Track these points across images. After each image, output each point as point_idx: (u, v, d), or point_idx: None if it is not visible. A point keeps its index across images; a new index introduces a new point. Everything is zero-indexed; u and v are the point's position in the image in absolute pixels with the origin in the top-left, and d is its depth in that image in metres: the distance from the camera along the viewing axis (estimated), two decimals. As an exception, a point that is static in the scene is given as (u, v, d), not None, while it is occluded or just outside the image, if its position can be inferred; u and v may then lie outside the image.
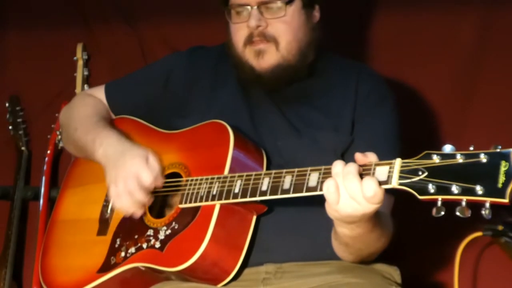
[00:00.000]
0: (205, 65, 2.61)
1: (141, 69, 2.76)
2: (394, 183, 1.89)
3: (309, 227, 2.33)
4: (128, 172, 2.33)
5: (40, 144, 3.40)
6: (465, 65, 3.07)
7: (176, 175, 2.40)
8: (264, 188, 2.15)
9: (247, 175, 2.20)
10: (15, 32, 3.50)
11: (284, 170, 2.13)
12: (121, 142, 2.45)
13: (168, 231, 2.30)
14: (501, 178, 1.75)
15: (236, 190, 2.21)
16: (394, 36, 3.15)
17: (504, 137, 2.93)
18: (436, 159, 1.84)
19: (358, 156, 1.97)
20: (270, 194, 2.14)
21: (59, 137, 3.30)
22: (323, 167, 2.05)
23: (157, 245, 2.30)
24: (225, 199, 2.22)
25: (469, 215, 1.79)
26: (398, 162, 1.91)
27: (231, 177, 2.24)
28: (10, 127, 3.46)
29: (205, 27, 3.15)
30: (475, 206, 1.79)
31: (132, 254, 2.35)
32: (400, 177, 1.89)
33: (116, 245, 2.41)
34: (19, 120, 3.45)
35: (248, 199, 2.18)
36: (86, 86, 3.39)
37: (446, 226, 2.84)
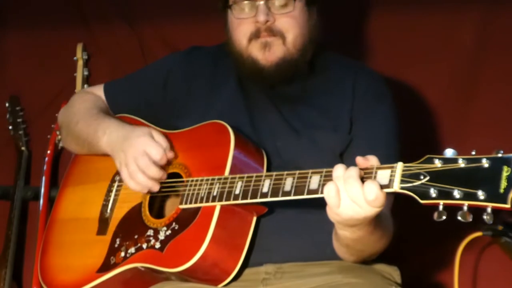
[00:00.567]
0: (203, 65, 2.62)
1: (139, 70, 2.76)
2: (396, 187, 1.89)
3: (309, 227, 2.33)
4: (136, 151, 2.35)
5: (40, 144, 3.40)
6: (465, 64, 3.07)
7: (176, 175, 2.40)
8: (265, 190, 2.15)
9: (248, 177, 2.20)
10: (15, 32, 3.50)
11: (285, 172, 2.13)
12: (122, 126, 2.47)
13: (168, 232, 2.30)
14: (503, 183, 1.75)
15: (237, 192, 2.20)
16: (394, 35, 3.15)
17: (504, 137, 2.93)
18: (438, 163, 1.84)
19: (359, 159, 1.97)
20: (271, 196, 2.14)
21: (59, 137, 3.30)
22: (324, 169, 2.05)
23: (157, 245, 2.30)
24: (226, 200, 2.22)
25: (471, 220, 1.79)
26: (399, 166, 1.90)
27: (231, 178, 2.24)
28: (10, 127, 3.46)
29: (205, 27, 3.15)
30: (476, 209, 1.79)
31: (132, 254, 2.35)
32: (402, 181, 1.89)
33: (116, 245, 2.41)
34: (19, 120, 3.45)
35: (248, 200, 2.18)
36: (86, 86, 3.39)
37: (446, 227, 2.83)
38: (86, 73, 3.42)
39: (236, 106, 2.51)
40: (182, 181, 2.36)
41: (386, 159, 1.95)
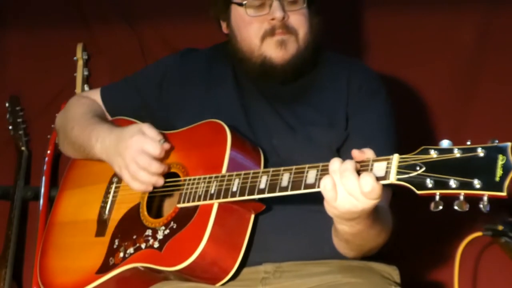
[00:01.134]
0: (198, 66, 2.62)
1: (135, 73, 2.75)
2: (392, 179, 1.89)
3: (308, 226, 2.33)
4: (134, 151, 2.35)
5: (40, 144, 3.40)
6: (465, 64, 3.08)
7: (174, 175, 2.40)
8: (262, 186, 2.15)
9: (245, 174, 2.20)
10: (15, 32, 3.51)
11: (282, 168, 2.13)
12: (112, 130, 2.47)
13: (167, 231, 2.29)
14: (499, 172, 1.76)
15: (234, 189, 2.20)
16: (394, 35, 3.15)
17: (504, 137, 2.92)
18: (433, 154, 1.84)
19: (355, 152, 1.98)
20: (268, 192, 2.14)
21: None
22: (320, 164, 2.04)
23: (156, 245, 2.30)
24: (223, 197, 2.22)
25: (467, 209, 1.79)
26: (395, 157, 1.91)
27: (229, 175, 2.24)
28: (10, 127, 3.46)
29: (205, 27, 3.13)
30: (474, 204, 1.79)
31: (131, 254, 2.35)
32: (398, 173, 1.89)
33: (115, 246, 2.40)
34: (19, 120, 3.45)
35: (246, 197, 2.18)
36: (86, 86, 3.39)
37: (446, 226, 2.85)
38: (86, 73, 3.42)
39: (231, 105, 2.51)
40: (180, 180, 2.36)
41: (383, 153, 1.95)
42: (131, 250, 2.35)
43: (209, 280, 2.29)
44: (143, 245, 2.33)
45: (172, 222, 2.30)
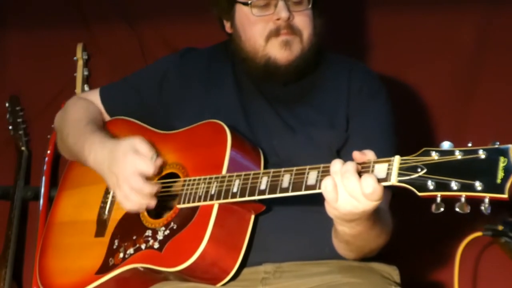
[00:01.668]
0: (198, 67, 2.61)
1: (135, 73, 2.74)
2: (393, 180, 1.89)
3: (308, 226, 2.33)
4: (126, 172, 2.33)
5: (40, 144, 3.40)
6: (465, 64, 3.08)
7: (173, 175, 2.40)
8: (262, 187, 2.15)
9: (245, 175, 2.20)
10: (15, 32, 3.51)
11: (283, 169, 2.12)
12: (105, 144, 2.44)
13: (167, 232, 2.29)
14: (500, 174, 1.76)
15: (235, 190, 2.20)
16: (395, 35, 3.15)
17: (504, 136, 2.92)
18: (434, 155, 1.84)
19: (356, 154, 1.97)
20: (269, 193, 2.14)
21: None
22: (321, 165, 2.04)
23: (156, 245, 2.30)
24: (224, 198, 2.21)
25: (468, 211, 1.79)
26: (397, 159, 1.91)
27: (229, 176, 2.23)
28: (10, 127, 3.46)
29: (205, 27, 3.13)
30: (475, 204, 1.79)
31: (131, 255, 2.35)
32: (399, 174, 1.89)
33: (114, 246, 2.40)
34: (19, 120, 3.45)
35: (247, 198, 2.18)
36: (86, 86, 3.39)
37: (446, 226, 2.85)
38: (86, 73, 3.42)
39: (231, 105, 2.51)
40: (180, 181, 2.36)
41: (383, 155, 1.95)
42: (131, 250, 2.35)
43: (209, 281, 2.29)
44: (143, 246, 2.33)
45: (172, 223, 2.30)
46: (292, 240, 2.33)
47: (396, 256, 2.40)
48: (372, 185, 1.90)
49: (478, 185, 1.77)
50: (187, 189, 2.31)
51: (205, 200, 2.25)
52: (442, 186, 1.81)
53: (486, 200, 1.77)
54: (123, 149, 2.36)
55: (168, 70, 2.62)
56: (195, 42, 2.86)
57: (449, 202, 1.82)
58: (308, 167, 2.07)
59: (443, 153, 1.84)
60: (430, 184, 1.83)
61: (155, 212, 2.43)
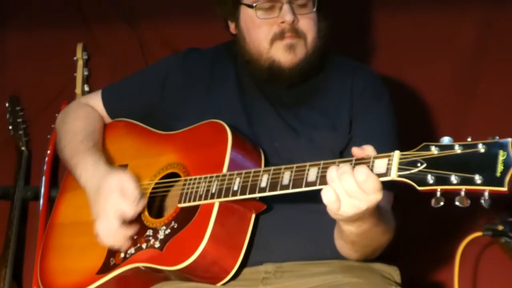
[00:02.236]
0: (201, 67, 2.61)
1: (137, 72, 2.75)
2: (393, 175, 1.90)
3: (309, 226, 2.33)
4: (107, 211, 2.35)
5: (40, 144, 3.40)
6: (466, 64, 3.08)
7: (174, 175, 2.40)
8: (263, 184, 2.15)
9: (246, 173, 2.20)
10: (15, 32, 3.50)
11: (283, 166, 2.13)
12: (96, 171, 2.45)
13: (168, 231, 2.29)
14: (500, 167, 1.77)
15: (235, 188, 2.20)
16: (395, 35, 3.15)
17: (504, 136, 2.93)
18: (434, 150, 1.85)
19: (355, 150, 1.98)
20: (270, 190, 2.14)
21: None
22: (321, 161, 2.05)
23: (157, 244, 2.30)
24: (224, 197, 2.22)
25: (468, 205, 1.80)
26: (396, 154, 1.91)
27: (230, 175, 2.24)
28: (10, 127, 3.45)
29: (205, 27, 3.14)
30: (475, 203, 1.80)
31: (132, 254, 2.35)
32: (399, 169, 1.89)
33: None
34: (19, 120, 3.45)
35: (247, 196, 2.18)
36: (86, 86, 3.39)
37: (446, 226, 2.86)
38: (86, 73, 3.41)
39: (233, 106, 2.51)
40: (181, 180, 2.36)
41: None
42: (132, 250, 2.36)
43: (210, 280, 2.29)
44: (144, 245, 2.33)
45: (173, 222, 2.30)
46: (293, 239, 2.33)
47: (396, 256, 2.40)
48: (365, 172, 1.90)
49: (477, 178, 1.78)
50: (187, 188, 2.31)
51: (205, 198, 2.25)
52: (442, 180, 1.82)
53: (486, 194, 1.78)
54: (109, 186, 2.38)
55: (170, 71, 2.62)
56: (195, 42, 2.86)
57: (449, 202, 1.83)
58: (308, 164, 2.07)
59: (442, 147, 1.85)
60: (430, 178, 1.84)
61: (156, 212, 2.43)
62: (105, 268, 2.40)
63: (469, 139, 1.83)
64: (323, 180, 2.01)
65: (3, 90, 3.50)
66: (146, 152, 2.53)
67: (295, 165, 2.10)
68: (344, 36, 3.02)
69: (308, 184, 2.05)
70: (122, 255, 2.37)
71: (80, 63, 3.41)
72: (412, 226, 2.82)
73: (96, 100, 2.72)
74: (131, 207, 2.34)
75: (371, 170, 1.93)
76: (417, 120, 3.07)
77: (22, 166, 3.40)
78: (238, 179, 2.21)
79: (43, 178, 3.32)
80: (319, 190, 1.99)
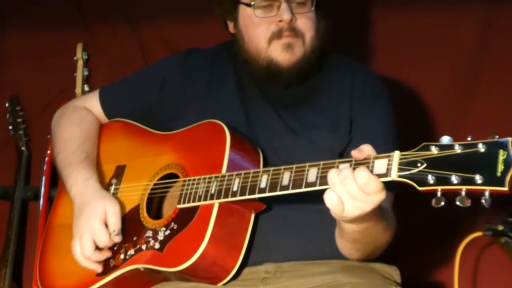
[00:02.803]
0: (200, 67, 2.61)
1: (135, 73, 2.74)
2: (394, 175, 1.90)
3: (309, 226, 2.33)
4: (83, 234, 2.37)
5: (40, 144, 3.40)
6: (465, 64, 3.08)
7: (173, 175, 2.40)
8: (263, 185, 2.15)
9: (245, 173, 2.20)
10: (15, 32, 3.50)
11: (283, 167, 2.13)
12: (85, 189, 2.46)
13: (167, 232, 2.29)
14: (500, 167, 1.77)
15: (235, 188, 2.20)
16: (395, 35, 3.15)
17: (504, 136, 2.93)
18: (434, 150, 1.85)
19: (354, 153, 1.98)
20: (269, 191, 2.14)
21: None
22: (321, 162, 2.05)
23: (157, 246, 2.30)
24: (224, 197, 2.21)
25: (469, 205, 1.80)
26: (396, 154, 1.91)
27: (229, 175, 2.23)
28: (10, 127, 3.45)
29: (205, 27, 3.14)
30: (475, 203, 1.80)
31: (132, 256, 2.35)
32: (399, 169, 1.89)
33: (115, 248, 2.40)
34: (19, 120, 3.45)
35: (247, 196, 2.18)
36: (86, 86, 3.39)
37: (446, 226, 2.86)
38: (86, 73, 3.41)
39: (233, 107, 2.50)
40: (179, 181, 2.36)
41: None
42: (131, 251, 2.35)
43: (210, 280, 2.29)
44: (143, 246, 2.33)
45: (172, 223, 2.30)
46: (293, 239, 2.33)
47: (396, 256, 2.40)
48: (365, 175, 1.90)
49: (478, 178, 1.78)
50: (187, 189, 2.31)
51: (205, 199, 2.25)
52: (442, 180, 1.82)
53: (487, 194, 1.78)
54: (93, 211, 2.38)
55: (170, 71, 2.62)
56: (195, 42, 2.86)
57: (449, 202, 1.83)
58: (308, 164, 2.07)
59: (442, 147, 1.85)
60: (431, 179, 1.83)
61: (155, 213, 2.43)
62: (105, 269, 2.39)
63: (469, 139, 1.83)
64: (323, 180, 2.01)
65: (3, 90, 3.50)
66: (144, 153, 2.53)
67: (294, 166, 2.10)
68: (343, 36, 3.02)
69: (308, 184, 2.05)
70: (122, 256, 2.37)
71: (80, 63, 3.41)
72: (412, 226, 2.82)
73: (93, 101, 2.71)
74: (107, 238, 2.36)
75: (371, 170, 1.93)
76: (416, 120, 3.07)
77: (22, 166, 3.40)
78: (237, 180, 2.21)
79: (43, 178, 3.32)
80: (319, 190, 1.99)
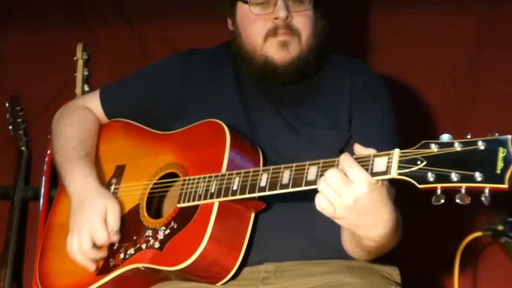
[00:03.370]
0: (200, 68, 2.61)
1: (136, 72, 2.74)
2: (393, 173, 1.90)
3: (309, 226, 2.33)
4: (82, 230, 2.36)
5: (40, 144, 3.40)
6: (466, 64, 3.08)
7: (173, 175, 2.40)
8: (262, 184, 2.15)
9: (245, 172, 2.20)
10: (15, 32, 3.50)
11: (283, 165, 2.13)
12: (85, 186, 2.45)
13: (167, 231, 2.29)
14: (500, 164, 1.77)
15: (235, 187, 2.20)
16: (395, 35, 3.15)
17: (504, 134, 2.93)
18: (434, 148, 1.85)
19: (357, 147, 1.98)
20: (269, 190, 2.14)
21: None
22: (321, 160, 2.05)
23: (157, 245, 2.30)
24: (224, 196, 2.22)
25: (469, 202, 1.80)
26: (396, 152, 1.91)
27: (229, 174, 2.23)
28: (10, 127, 3.46)
29: (205, 27, 3.15)
30: (475, 203, 1.80)
31: (131, 255, 2.35)
32: (399, 167, 1.89)
33: (115, 247, 2.40)
34: (19, 120, 3.45)
35: (247, 195, 2.18)
36: (86, 86, 3.39)
37: (446, 226, 2.85)
38: (86, 73, 3.42)
39: (233, 106, 2.50)
40: (179, 180, 2.36)
41: None
42: (131, 250, 2.35)
43: (210, 280, 2.29)
44: (143, 246, 2.33)
45: (172, 222, 2.30)
46: (293, 239, 2.33)
47: (396, 256, 2.40)
48: (347, 159, 1.93)
49: (478, 176, 1.78)
50: (187, 188, 2.31)
51: (205, 198, 2.25)
52: (442, 177, 1.82)
53: (486, 191, 1.78)
54: (94, 208, 2.38)
55: (170, 71, 2.62)
56: (195, 42, 2.86)
57: (449, 202, 1.83)
58: (308, 162, 2.07)
59: (442, 145, 1.85)
60: (430, 176, 1.83)
61: (154, 212, 2.43)
62: (105, 268, 2.39)
63: (468, 136, 1.84)
64: None
65: (3, 90, 3.50)
66: (144, 152, 2.53)
67: (294, 164, 2.10)
68: (343, 36, 3.02)
69: (308, 183, 2.05)
70: (122, 255, 2.37)
71: (80, 63, 3.41)
72: (412, 226, 2.82)
73: (93, 101, 2.71)
74: (106, 237, 2.35)
75: (371, 168, 1.93)
76: (416, 119, 3.07)
77: (22, 166, 3.40)
78: (237, 179, 2.21)
79: (43, 178, 3.32)
80: None
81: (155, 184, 2.43)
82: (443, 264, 2.93)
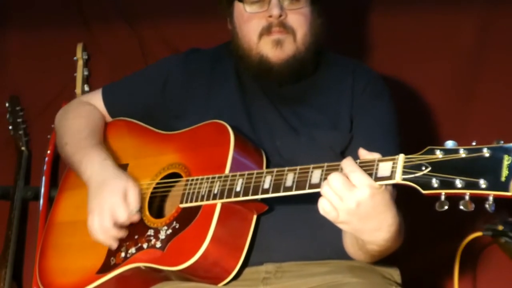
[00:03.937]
0: (202, 67, 2.60)
1: (138, 72, 2.74)
2: (398, 178, 1.90)
3: (309, 226, 2.33)
4: (104, 208, 2.35)
5: (40, 144, 3.40)
6: (466, 64, 3.08)
7: (176, 175, 2.40)
8: (266, 186, 2.15)
9: (248, 174, 2.20)
10: (15, 32, 3.50)
11: (286, 168, 2.13)
12: (104, 168, 2.44)
13: (169, 231, 2.29)
14: (504, 172, 1.77)
15: (238, 189, 2.20)
16: (395, 35, 3.15)
17: (505, 136, 2.92)
18: (439, 154, 1.86)
19: (362, 152, 1.98)
20: (273, 192, 2.14)
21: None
22: (325, 164, 2.05)
23: (158, 244, 2.30)
24: (227, 197, 2.22)
25: (473, 209, 1.80)
26: (401, 157, 1.91)
27: (232, 176, 2.23)
28: (10, 127, 3.45)
29: (205, 27, 3.15)
30: (476, 203, 1.80)
31: (133, 254, 2.35)
32: (404, 172, 1.90)
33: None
34: (19, 120, 3.45)
35: (250, 197, 2.18)
36: (86, 86, 3.39)
37: (446, 226, 2.86)
38: (86, 73, 3.41)
39: (234, 106, 2.50)
40: (182, 180, 2.36)
41: (388, 155, 1.95)
42: (132, 250, 2.35)
43: (211, 280, 2.29)
44: (145, 245, 2.33)
45: (174, 222, 2.30)
46: (293, 240, 2.33)
47: (396, 256, 2.40)
48: (350, 163, 1.93)
49: (482, 183, 1.78)
50: (189, 189, 2.31)
51: (208, 199, 2.25)
52: (446, 184, 1.82)
53: (490, 198, 1.78)
54: (115, 188, 2.37)
55: (171, 70, 2.62)
56: (195, 42, 2.86)
57: (452, 201, 1.83)
58: (312, 166, 2.07)
59: (447, 151, 1.85)
60: (435, 182, 1.84)
61: (156, 212, 2.43)
62: (106, 267, 2.39)
63: (473, 143, 1.83)
64: None
65: (3, 90, 3.50)
66: (147, 152, 2.53)
67: (298, 167, 2.10)
68: (343, 36, 3.03)
69: (312, 186, 2.05)
70: (123, 254, 2.37)
71: (80, 63, 3.41)
72: (412, 227, 2.82)
73: (96, 99, 2.71)
74: (127, 215, 2.35)
75: (376, 173, 1.94)
76: (416, 120, 3.07)
77: (22, 166, 3.40)
78: (240, 180, 2.21)
79: (43, 178, 3.32)
80: None
81: (157, 183, 2.43)
82: (443, 264, 2.93)
